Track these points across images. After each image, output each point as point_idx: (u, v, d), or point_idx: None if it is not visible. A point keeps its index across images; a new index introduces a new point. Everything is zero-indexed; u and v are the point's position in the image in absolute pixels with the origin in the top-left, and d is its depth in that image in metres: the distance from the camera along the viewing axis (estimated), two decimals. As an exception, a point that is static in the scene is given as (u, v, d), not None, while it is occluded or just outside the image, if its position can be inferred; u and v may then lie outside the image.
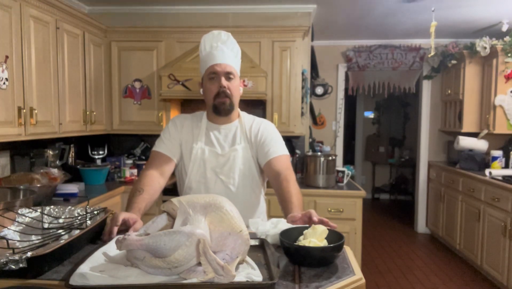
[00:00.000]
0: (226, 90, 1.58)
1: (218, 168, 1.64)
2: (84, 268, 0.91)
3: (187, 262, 0.89)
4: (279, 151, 1.65)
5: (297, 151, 3.80)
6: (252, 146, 1.67)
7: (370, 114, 7.60)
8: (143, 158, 3.77)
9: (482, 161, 4.20)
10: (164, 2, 3.66)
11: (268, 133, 1.68)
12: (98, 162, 3.41)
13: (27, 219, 1.27)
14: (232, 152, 1.65)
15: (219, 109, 1.61)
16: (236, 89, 1.64)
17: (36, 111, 2.46)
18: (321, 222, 1.19)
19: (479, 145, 4.28)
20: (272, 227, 1.24)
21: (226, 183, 1.64)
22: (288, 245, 1.05)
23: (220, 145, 1.66)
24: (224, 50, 1.60)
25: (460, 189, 4.22)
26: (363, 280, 0.97)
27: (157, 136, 1.73)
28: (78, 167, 3.18)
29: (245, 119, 1.72)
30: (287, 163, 1.65)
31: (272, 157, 1.62)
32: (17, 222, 1.25)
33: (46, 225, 1.29)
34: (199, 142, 1.66)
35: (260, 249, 1.13)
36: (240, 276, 0.89)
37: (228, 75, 1.59)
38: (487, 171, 3.79)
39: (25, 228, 1.23)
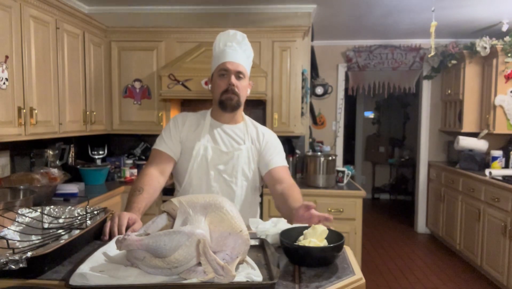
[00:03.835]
0: (235, 88, 1.59)
1: (221, 166, 1.64)
2: (84, 268, 0.91)
3: (187, 262, 0.89)
4: (281, 161, 1.69)
5: (297, 151, 3.80)
6: (256, 150, 1.69)
7: (370, 114, 7.60)
8: (143, 158, 3.77)
9: (482, 161, 4.20)
10: (164, 2, 3.66)
11: (272, 144, 1.71)
12: (98, 162, 3.41)
13: (27, 219, 1.27)
14: (236, 151, 1.65)
15: (225, 104, 1.61)
16: (244, 89, 1.65)
17: (36, 111, 2.46)
18: (324, 219, 1.21)
19: (479, 144, 4.28)
20: (272, 226, 1.24)
21: (229, 181, 1.64)
22: (288, 245, 1.05)
23: (224, 143, 1.66)
24: (237, 50, 1.61)
25: (460, 189, 4.22)
26: (363, 280, 0.97)
27: (157, 136, 1.73)
28: (78, 167, 3.17)
29: (249, 124, 1.74)
30: (288, 173, 1.70)
31: (275, 166, 1.65)
32: (17, 222, 1.25)
33: (46, 225, 1.29)
34: (202, 139, 1.65)
35: (260, 249, 1.13)
36: (240, 276, 0.89)
37: (238, 74, 1.60)
38: (487, 171, 3.80)
39: (25, 228, 1.23)
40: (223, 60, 1.59)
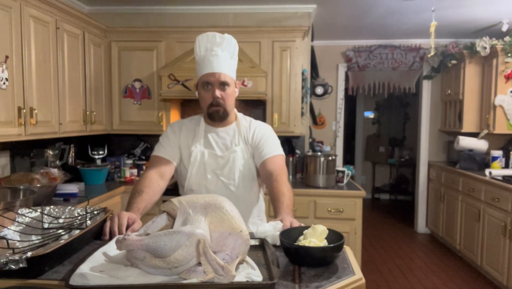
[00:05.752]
0: (220, 101, 1.60)
1: (218, 170, 1.65)
2: (84, 268, 0.91)
3: (187, 262, 0.89)
4: (273, 151, 1.66)
5: (297, 151, 3.79)
6: (249, 148, 1.69)
7: (370, 114, 7.60)
8: (143, 158, 3.77)
9: (482, 161, 4.20)
10: (164, 2, 3.66)
11: (263, 135, 1.70)
12: (98, 162, 3.41)
13: (27, 219, 1.27)
14: (231, 154, 1.66)
15: (214, 116, 1.64)
16: (231, 96, 1.63)
17: (36, 111, 2.46)
18: None
19: (479, 144, 4.28)
20: (271, 228, 1.24)
21: (227, 184, 1.65)
22: (288, 245, 1.05)
23: (219, 147, 1.68)
24: (219, 55, 1.58)
25: (460, 189, 4.22)
26: (363, 280, 0.97)
27: (157, 136, 1.74)
28: (78, 167, 3.17)
29: (242, 122, 1.73)
30: (280, 162, 1.66)
31: (266, 158, 1.64)
32: (17, 222, 1.25)
33: (46, 225, 1.29)
34: (198, 145, 1.67)
35: (260, 249, 1.13)
36: (240, 276, 0.89)
37: (222, 85, 1.59)
38: (487, 171, 3.79)
39: (25, 228, 1.23)
40: (205, 72, 1.58)
